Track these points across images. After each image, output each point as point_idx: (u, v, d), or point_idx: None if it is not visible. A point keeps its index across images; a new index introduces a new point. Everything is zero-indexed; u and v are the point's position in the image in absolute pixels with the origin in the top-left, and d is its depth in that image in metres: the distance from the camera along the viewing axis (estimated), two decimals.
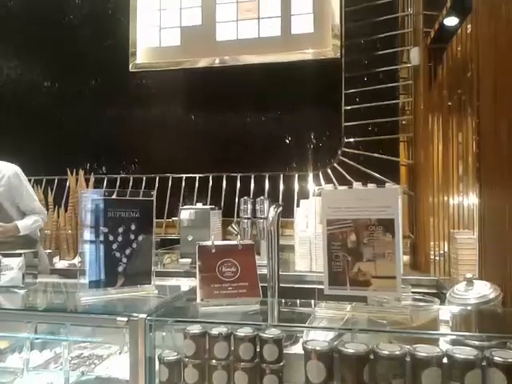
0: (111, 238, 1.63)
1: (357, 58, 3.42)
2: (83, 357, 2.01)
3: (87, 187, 3.65)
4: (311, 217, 3.03)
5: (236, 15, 3.42)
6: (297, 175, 3.58)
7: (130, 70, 3.55)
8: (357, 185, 3.13)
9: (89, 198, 1.63)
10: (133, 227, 1.67)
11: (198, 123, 3.82)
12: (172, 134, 3.82)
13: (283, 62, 3.41)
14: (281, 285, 1.78)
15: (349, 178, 3.38)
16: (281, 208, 1.78)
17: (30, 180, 3.80)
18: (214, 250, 1.49)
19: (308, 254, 2.98)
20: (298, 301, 1.59)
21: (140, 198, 1.71)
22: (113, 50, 3.84)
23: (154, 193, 1.70)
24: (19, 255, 1.76)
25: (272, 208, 1.72)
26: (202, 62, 3.51)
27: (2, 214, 2.61)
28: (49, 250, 3.42)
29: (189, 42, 3.51)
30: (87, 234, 1.63)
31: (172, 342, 1.43)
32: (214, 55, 3.47)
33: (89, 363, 1.97)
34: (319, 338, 1.27)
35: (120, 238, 1.64)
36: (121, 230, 1.65)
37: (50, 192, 3.75)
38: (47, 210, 3.59)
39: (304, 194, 3.41)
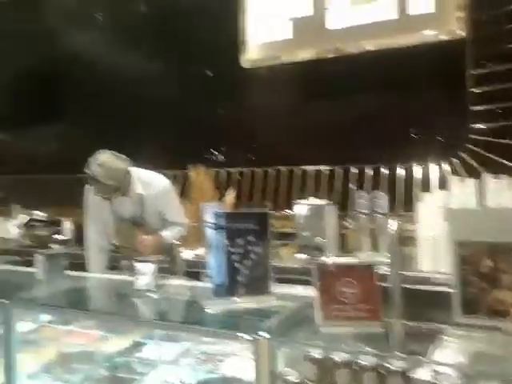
0: (231, 249, 1.70)
1: (484, 35, 3.05)
2: (210, 353, 2.13)
3: (207, 180, 3.82)
4: (435, 212, 2.84)
5: (348, 1, 3.25)
6: (417, 166, 3.36)
7: (242, 65, 3.58)
8: (487, 176, 2.85)
9: (210, 210, 1.71)
10: (251, 238, 1.72)
11: (311, 115, 3.75)
12: (285, 127, 3.81)
13: (401, 45, 3.17)
14: (403, 285, 1.71)
15: (478, 168, 3.09)
16: (403, 219, 1.69)
17: None
18: (332, 269, 1.46)
19: (432, 252, 2.80)
20: (424, 324, 1.50)
21: (256, 210, 1.76)
22: (225, 45, 3.89)
23: (269, 205, 1.72)
24: (152, 261, 1.91)
25: (393, 220, 1.64)
26: (315, 52, 3.41)
27: (147, 226, 2.73)
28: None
29: (300, 33, 3.43)
30: (210, 247, 1.71)
31: (293, 357, 1.45)
32: (326, 44, 3.35)
33: (215, 360, 2.08)
34: (448, 371, 1.19)
35: (239, 249, 1.71)
36: (240, 241, 1.71)
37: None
38: None
39: (426, 187, 3.20)
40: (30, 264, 2.70)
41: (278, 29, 3.51)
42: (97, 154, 2.56)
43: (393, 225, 1.62)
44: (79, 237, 3.05)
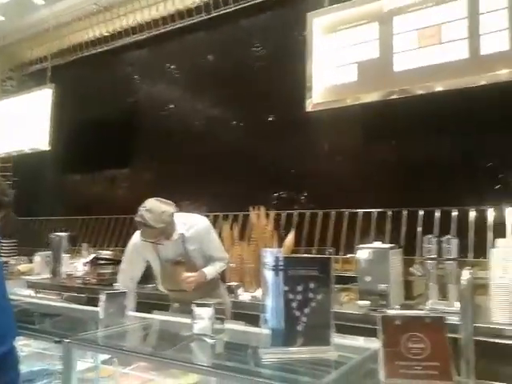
0: (291, 296, 1.64)
1: None
2: None
3: (267, 222, 3.81)
4: (510, 259, 2.63)
5: (416, 43, 3.20)
6: (491, 209, 3.15)
7: (307, 110, 3.62)
8: None
9: (270, 256, 1.67)
10: (311, 285, 1.65)
11: (376, 156, 3.68)
12: (348, 169, 3.77)
13: (472, 85, 3.05)
14: (475, 338, 1.57)
15: None
16: (475, 269, 1.57)
17: (217, 216, 4.21)
18: (398, 322, 1.36)
19: (507, 303, 2.58)
20: None
21: (318, 256, 1.70)
22: (291, 90, 3.95)
23: (332, 251, 1.66)
24: (209, 305, 1.89)
25: (466, 271, 1.52)
26: (380, 95, 3.37)
27: (191, 265, 2.87)
28: (234, 283, 3.65)
29: (365, 76, 3.41)
30: (268, 291, 1.66)
31: None
32: (392, 86, 3.29)
33: None
34: None
35: (299, 297, 1.64)
36: (300, 288, 1.64)
37: (235, 226, 4.00)
38: (232, 244, 3.87)
39: (500, 232, 2.98)
40: (94, 302, 2.79)
41: (342, 72, 3.52)
42: (145, 202, 2.74)
43: (464, 274, 1.50)
44: (142, 276, 3.12)
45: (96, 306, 2.28)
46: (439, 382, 1.27)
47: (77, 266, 4.44)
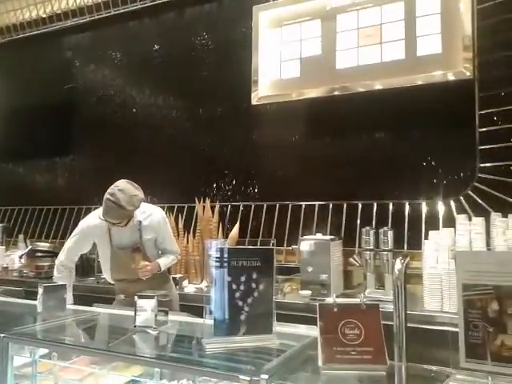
0: (234, 286, 1.67)
1: (493, 75, 3.10)
2: None
3: (213, 214, 3.82)
4: (442, 251, 2.81)
5: (357, 42, 3.33)
6: (424, 203, 3.34)
7: (253, 103, 3.66)
8: (495, 215, 2.83)
9: (214, 247, 1.69)
10: (254, 276, 1.69)
11: (319, 151, 3.76)
12: (293, 162, 3.84)
13: (408, 85, 3.22)
14: (408, 325, 1.67)
15: (486, 207, 3.06)
16: (408, 259, 1.66)
17: (163, 207, 4.15)
18: (335, 310, 1.43)
19: (438, 292, 2.75)
20: (429, 366, 1.45)
21: (261, 247, 1.73)
22: (236, 83, 3.97)
23: (274, 242, 1.70)
24: (152, 297, 1.88)
25: (398, 260, 1.61)
26: (322, 91, 3.47)
27: (143, 255, 2.84)
28: (179, 275, 3.65)
29: (308, 72, 3.51)
30: (213, 282, 1.68)
31: None
32: (334, 83, 3.41)
33: None
34: None
35: (242, 287, 1.67)
36: (243, 278, 1.68)
37: (180, 218, 3.98)
38: (177, 235, 3.85)
39: (433, 224, 3.17)
40: (32, 295, 2.69)
41: (287, 67, 3.59)
42: (116, 182, 2.72)
43: (397, 263, 1.59)
44: (83, 269, 3.05)
45: (34, 299, 2.21)
46: (373, 366, 1.35)
47: (13, 258, 4.25)
